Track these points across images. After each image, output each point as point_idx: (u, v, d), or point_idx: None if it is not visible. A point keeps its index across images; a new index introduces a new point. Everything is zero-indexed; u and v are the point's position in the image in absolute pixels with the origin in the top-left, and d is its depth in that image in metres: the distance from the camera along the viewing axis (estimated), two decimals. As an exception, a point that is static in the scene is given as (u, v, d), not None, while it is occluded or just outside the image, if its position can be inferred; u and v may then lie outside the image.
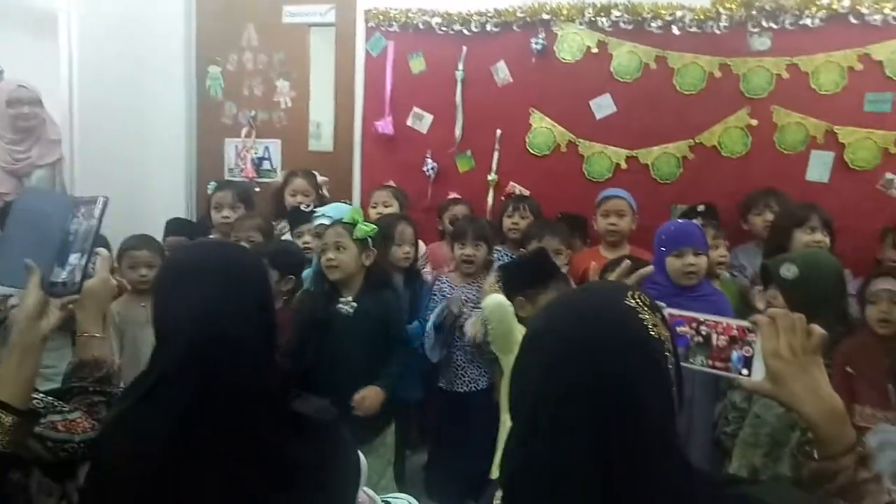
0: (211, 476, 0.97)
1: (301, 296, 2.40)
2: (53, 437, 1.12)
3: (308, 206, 2.97)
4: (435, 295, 2.65)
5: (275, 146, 3.83)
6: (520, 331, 2.12)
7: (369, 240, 2.32)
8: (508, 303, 2.11)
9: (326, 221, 2.56)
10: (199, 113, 3.91)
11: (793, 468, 2.03)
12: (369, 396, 2.22)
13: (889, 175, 3.00)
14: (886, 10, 2.91)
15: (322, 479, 0.99)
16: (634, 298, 0.77)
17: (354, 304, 2.29)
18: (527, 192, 3.36)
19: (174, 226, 2.98)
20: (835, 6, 2.97)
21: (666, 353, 0.76)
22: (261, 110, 3.82)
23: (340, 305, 2.29)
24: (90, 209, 1.25)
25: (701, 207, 2.95)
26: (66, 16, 3.45)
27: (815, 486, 0.86)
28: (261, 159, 3.85)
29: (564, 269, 2.79)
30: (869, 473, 0.83)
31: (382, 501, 1.33)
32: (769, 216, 2.86)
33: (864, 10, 2.94)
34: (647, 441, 0.70)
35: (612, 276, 1.11)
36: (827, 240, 2.49)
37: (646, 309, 0.77)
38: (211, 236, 3.02)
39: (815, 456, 0.86)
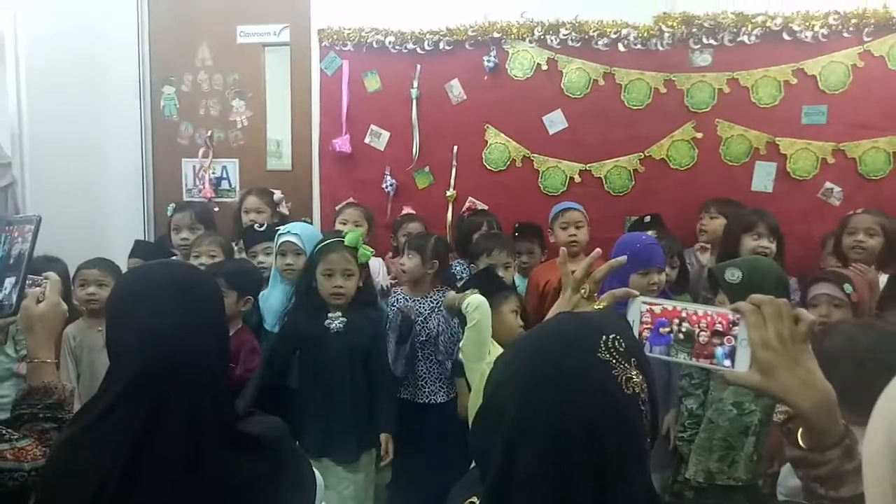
0: (162, 498, 0.97)
1: (291, 313, 2.41)
2: (1, 466, 1.11)
3: (262, 224, 2.97)
4: (394, 307, 2.69)
5: (233, 166, 3.82)
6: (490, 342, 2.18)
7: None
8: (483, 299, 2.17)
9: (294, 240, 2.58)
10: (154, 133, 3.88)
11: (748, 472, 2.11)
12: (387, 447, 2.34)
13: (829, 184, 3.15)
14: (816, 28, 3.07)
15: (274, 496, 1.00)
16: (608, 348, 0.75)
17: (344, 320, 2.32)
18: (485, 207, 3.42)
19: (138, 248, 2.96)
20: (769, 24, 3.11)
21: (640, 407, 0.75)
22: (217, 130, 3.81)
23: (329, 321, 2.31)
24: (23, 229, 1.25)
25: (647, 218, 3.05)
26: (13, 35, 3.39)
27: (796, 469, 0.85)
28: (219, 179, 3.83)
29: (518, 280, 2.86)
30: (853, 464, 0.80)
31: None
32: (707, 221, 2.99)
33: (795, 28, 3.09)
34: (615, 496, 0.70)
35: (579, 269, 1.10)
36: (773, 246, 2.59)
37: (619, 361, 0.74)
38: (173, 258, 3.00)
39: (801, 443, 0.84)
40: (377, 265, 3.03)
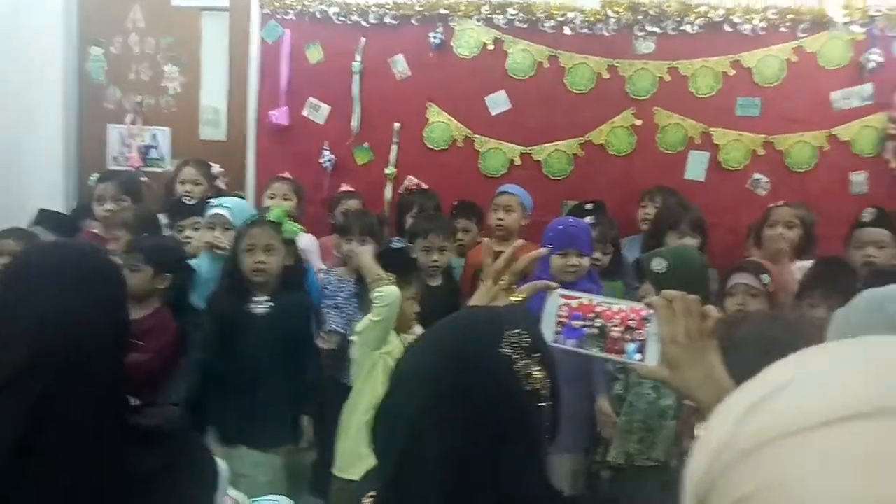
0: (52, 489, 0.93)
1: (215, 294, 2.31)
2: None
3: (191, 198, 2.85)
4: (326, 288, 2.63)
5: (163, 134, 3.66)
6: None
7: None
8: (398, 291, 2.07)
9: (224, 212, 2.49)
10: (79, 97, 3.68)
11: (665, 453, 2.17)
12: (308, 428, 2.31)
13: (757, 175, 3.23)
14: (755, 21, 3.13)
15: (171, 488, 0.97)
16: (512, 343, 0.75)
17: (271, 304, 2.24)
18: (425, 186, 3.39)
19: (43, 217, 2.80)
20: (711, 14, 3.16)
21: (540, 402, 0.75)
22: (147, 96, 3.64)
23: (254, 305, 2.23)
24: None
25: (589, 205, 3.07)
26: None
27: None
28: (148, 147, 3.67)
29: (454, 262, 2.83)
30: None
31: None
32: (650, 210, 3.01)
33: (736, 20, 3.15)
34: (509, 487, 0.71)
35: (500, 259, 1.09)
36: (696, 241, 2.61)
37: (522, 356, 0.75)
38: (95, 230, 2.86)
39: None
40: (309, 243, 2.96)
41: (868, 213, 2.59)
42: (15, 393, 0.94)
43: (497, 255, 1.09)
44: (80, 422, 0.94)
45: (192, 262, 2.54)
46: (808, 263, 2.55)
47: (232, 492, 1.21)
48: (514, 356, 0.75)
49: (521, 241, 1.12)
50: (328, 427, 2.43)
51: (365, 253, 2.19)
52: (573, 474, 2.34)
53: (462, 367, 0.74)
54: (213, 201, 2.62)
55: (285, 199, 3.02)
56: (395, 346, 2.11)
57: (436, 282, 2.64)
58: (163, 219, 2.98)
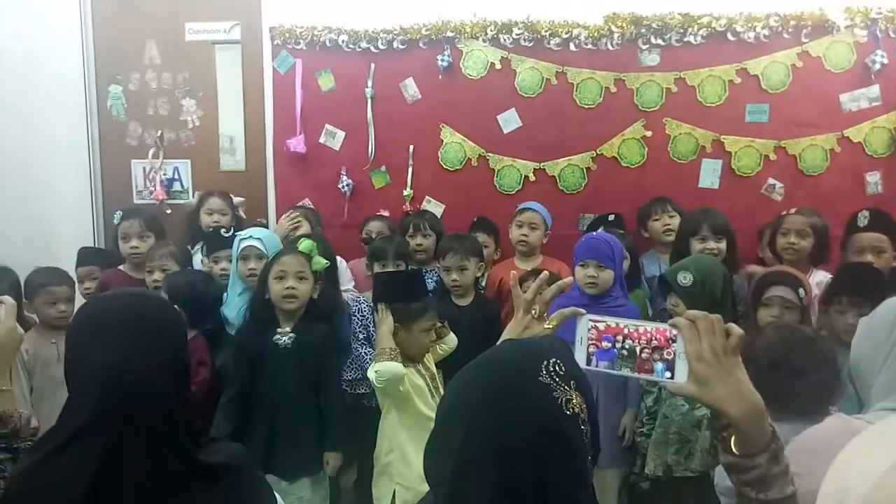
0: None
1: (243, 326, 2.35)
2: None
3: (228, 229, 2.92)
4: (355, 316, 2.67)
5: (184, 166, 3.75)
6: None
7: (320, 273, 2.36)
8: (402, 369, 2.07)
9: (257, 244, 2.55)
10: (101, 134, 3.77)
11: (703, 464, 2.19)
12: (333, 465, 2.32)
13: (771, 180, 3.27)
14: (758, 29, 3.18)
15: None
16: (549, 372, 0.79)
17: (293, 336, 2.27)
18: (442, 206, 3.45)
19: (86, 255, 2.88)
20: (714, 24, 3.21)
21: (580, 426, 0.78)
22: (167, 130, 3.73)
23: (278, 336, 2.26)
24: None
25: (611, 217, 3.12)
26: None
27: (730, 474, 0.92)
28: (171, 180, 3.75)
29: (479, 280, 2.88)
30: (779, 467, 0.87)
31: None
32: (667, 220, 3.04)
33: (739, 29, 3.20)
34: None
35: (529, 290, 1.14)
36: (720, 245, 2.60)
37: (560, 384, 0.78)
38: (120, 267, 2.94)
39: (734, 450, 0.89)
40: (340, 266, 3.01)
41: (864, 217, 2.56)
42: (83, 442, 0.99)
43: (521, 273, 1.13)
44: (145, 465, 0.99)
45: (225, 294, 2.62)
46: (824, 275, 2.56)
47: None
48: (553, 384, 0.78)
49: (546, 273, 1.17)
50: (365, 448, 2.47)
51: (385, 322, 2.17)
52: (619, 488, 2.38)
53: (504, 398, 0.77)
54: (242, 233, 2.67)
55: (294, 228, 3.07)
56: (410, 379, 2.11)
57: (464, 301, 2.69)
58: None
